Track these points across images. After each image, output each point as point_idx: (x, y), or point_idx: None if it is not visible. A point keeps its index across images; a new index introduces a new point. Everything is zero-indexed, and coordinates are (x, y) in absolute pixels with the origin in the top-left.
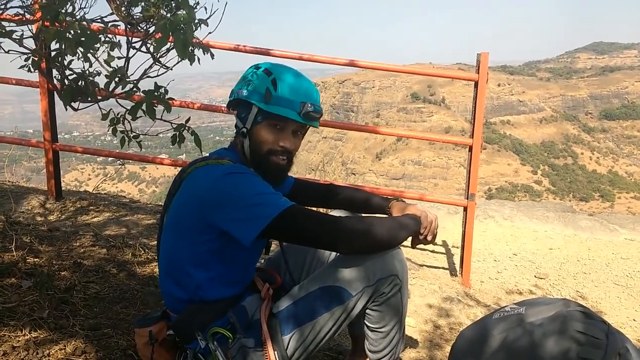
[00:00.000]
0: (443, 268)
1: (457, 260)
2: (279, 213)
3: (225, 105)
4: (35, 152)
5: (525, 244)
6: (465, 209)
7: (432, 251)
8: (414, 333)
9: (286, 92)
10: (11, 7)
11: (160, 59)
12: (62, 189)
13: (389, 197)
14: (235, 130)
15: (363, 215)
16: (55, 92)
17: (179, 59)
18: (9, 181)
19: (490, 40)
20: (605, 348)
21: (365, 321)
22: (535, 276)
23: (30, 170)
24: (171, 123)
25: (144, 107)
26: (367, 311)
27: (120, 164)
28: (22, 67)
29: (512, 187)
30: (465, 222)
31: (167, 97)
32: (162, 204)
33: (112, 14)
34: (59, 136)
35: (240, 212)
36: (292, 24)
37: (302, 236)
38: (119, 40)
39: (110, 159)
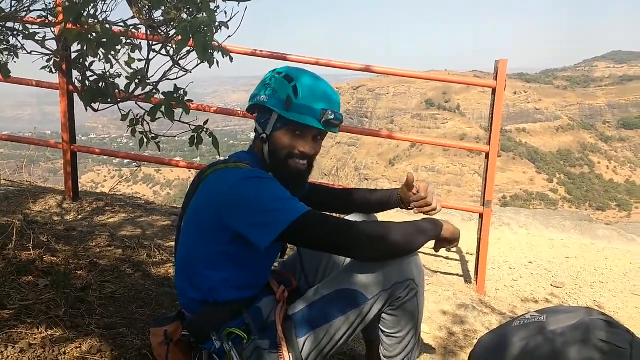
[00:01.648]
0: (457, 275)
1: (471, 267)
2: (296, 219)
3: (240, 109)
4: (53, 154)
5: (541, 252)
6: (481, 216)
7: (447, 258)
8: (428, 339)
9: (307, 99)
10: (34, 10)
11: (180, 62)
12: (79, 189)
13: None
14: (254, 134)
15: (380, 221)
16: (74, 94)
17: (198, 62)
18: (27, 181)
19: (507, 48)
20: (629, 357)
21: (380, 326)
22: (551, 285)
23: (48, 171)
24: (189, 125)
25: (162, 109)
26: (383, 315)
27: (136, 166)
28: (43, 68)
29: (527, 195)
30: (481, 229)
31: (185, 99)
32: (177, 206)
33: (133, 17)
34: (76, 138)
35: (257, 216)
36: (302, 29)
37: (319, 242)
38: (140, 43)
39: (125, 161)
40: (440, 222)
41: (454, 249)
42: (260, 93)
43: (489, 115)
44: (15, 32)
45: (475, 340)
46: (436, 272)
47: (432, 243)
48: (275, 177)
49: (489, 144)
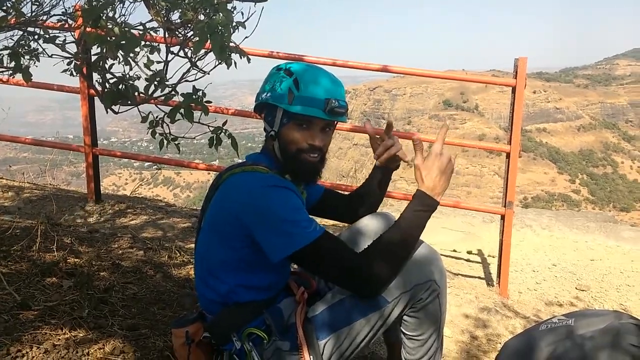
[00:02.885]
0: (479, 278)
1: (493, 270)
2: (311, 242)
3: None
4: (76, 157)
5: (565, 254)
6: (502, 217)
7: (468, 260)
8: (450, 343)
9: (309, 90)
10: (54, 15)
11: (198, 64)
12: (101, 192)
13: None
14: (265, 134)
15: (388, 244)
16: (95, 98)
17: (216, 63)
18: (50, 184)
19: (525, 47)
20: None
21: (402, 328)
22: (576, 288)
23: (71, 175)
24: (209, 126)
25: (182, 110)
26: (404, 318)
27: (156, 169)
28: (64, 71)
29: (548, 197)
30: (503, 230)
31: (204, 100)
32: (197, 208)
33: (151, 20)
34: (97, 141)
35: (275, 230)
36: (319, 29)
37: (325, 271)
38: (158, 45)
39: (146, 164)
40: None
41: (475, 251)
42: (265, 91)
43: (509, 114)
44: (36, 36)
45: (499, 345)
46: (457, 274)
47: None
48: (289, 172)
49: (510, 144)
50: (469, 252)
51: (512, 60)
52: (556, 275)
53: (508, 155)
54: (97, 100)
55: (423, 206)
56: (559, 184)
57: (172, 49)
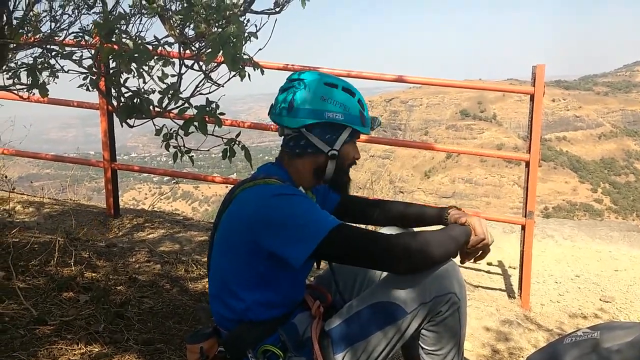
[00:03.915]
0: (500, 290)
1: (514, 281)
2: (329, 232)
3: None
4: (96, 173)
5: (588, 265)
6: (523, 228)
7: (488, 272)
8: (471, 357)
9: (367, 111)
10: (72, 33)
11: (211, 76)
12: (120, 206)
13: (444, 207)
14: (287, 148)
15: (414, 231)
16: (114, 113)
17: (230, 76)
18: (70, 199)
19: (543, 55)
20: None
21: (420, 343)
22: (600, 299)
23: (92, 190)
24: (222, 138)
25: (196, 123)
26: (423, 332)
27: (174, 182)
28: (80, 86)
29: (570, 206)
30: (524, 241)
31: (218, 112)
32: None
33: (167, 36)
34: (117, 157)
35: (290, 233)
36: (329, 40)
37: (354, 256)
38: (172, 58)
39: (165, 178)
40: (469, 229)
41: (495, 263)
42: (328, 109)
43: (528, 123)
44: (53, 53)
45: (522, 359)
46: (477, 287)
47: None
48: (335, 186)
49: (529, 152)
50: (489, 264)
51: (529, 69)
52: (579, 286)
53: (527, 164)
54: (116, 117)
55: (464, 236)
56: (580, 193)
57: (186, 62)
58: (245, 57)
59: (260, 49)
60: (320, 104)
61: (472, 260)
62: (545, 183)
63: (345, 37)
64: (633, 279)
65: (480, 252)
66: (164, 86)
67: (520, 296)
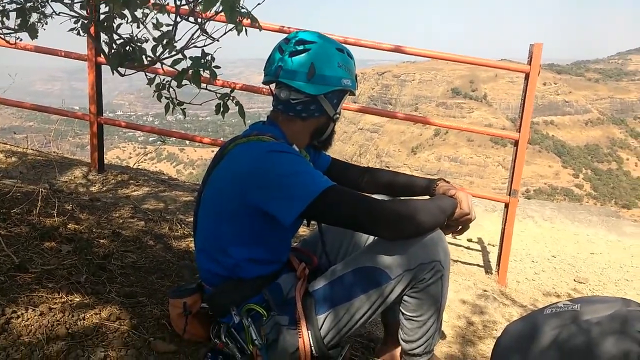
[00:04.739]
0: (478, 265)
1: (493, 258)
2: (322, 192)
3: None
4: (81, 129)
5: (566, 246)
6: (506, 206)
7: (468, 248)
8: (446, 328)
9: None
10: None
11: (207, 30)
12: (105, 163)
13: (433, 177)
14: (291, 111)
15: (405, 199)
16: (102, 66)
17: (226, 29)
18: (54, 152)
19: (538, 38)
20: None
21: (401, 308)
22: (574, 280)
23: (75, 146)
24: (216, 93)
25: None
26: (405, 298)
27: (161, 142)
28: (71, 30)
29: (551, 190)
30: (506, 219)
31: (213, 65)
32: (199, 183)
33: None
34: (103, 112)
35: (282, 191)
36: (325, 10)
37: (344, 218)
38: (167, 2)
39: (150, 139)
40: (456, 202)
41: (475, 239)
42: (344, 76)
43: (520, 101)
44: None
45: (495, 331)
46: (457, 261)
47: None
48: (321, 145)
49: (519, 131)
50: (469, 240)
51: (523, 51)
52: (555, 266)
53: (516, 143)
54: (104, 70)
55: (451, 207)
56: (562, 178)
57: (182, 10)
58: (243, 10)
59: (258, 4)
60: (338, 71)
61: (450, 234)
62: (529, 166)
63: (340, 6)
64: (608, 262)
65: (460, 227)
66: (158, 34)
67: (498, 272)
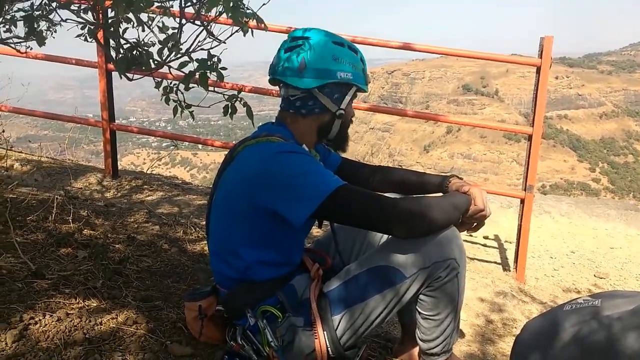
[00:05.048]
0: (495, 262)
1: (510, 255)
2: (332, 191)
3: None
4: (95, 136)
5: (584, 241)
6: (522, 202)
7: (484, 245)
8: (465, 326)
9: (366, 68)
10: None
11: (214, 33)
12: (119, 168)
13: (446, 174)
14: (292, 109)
15: (417, 196)
16: (113, 73)
17: (233, 31)
18: (69, 159)
19: (549, 31)
20: None
21: (417, 308)
22: (594, 275)
23: (90, 153)
24: (223, 94)
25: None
26: (421, 297)
27: (173, 146)
28: (78, 35)
29: (567, 185)
30: (522, 215)
31: (219, 67)
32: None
33: None
34: (115, 118)
35: (292, 191)
36: (329, 15)
37: (356, 217)
38: (172, 5)
39: (164, 144)
40: (470, 198)
41: (491, 236)
42: (340, 69)
43: (533, 96)
44: (53, 3)
45: (515, 329)
46: (473, 259)
47: None
48: (337, 145)
49: (532, 126)
50: (486, 237)
51: (533, 45)
52: (574, 262)
53: (530, 138)
54: (115, 77)
55: (465, 204)
56: (578, 172)
57: (186, 13)
58: (248, 11)
59: (264, 4)
60: (332, 63)
61: (465, 231)
62: (544, 161)
63: (349, 6)
64: (628, 257)
65: (475, 223)
66: (164, 37)
67: (516, 269)
